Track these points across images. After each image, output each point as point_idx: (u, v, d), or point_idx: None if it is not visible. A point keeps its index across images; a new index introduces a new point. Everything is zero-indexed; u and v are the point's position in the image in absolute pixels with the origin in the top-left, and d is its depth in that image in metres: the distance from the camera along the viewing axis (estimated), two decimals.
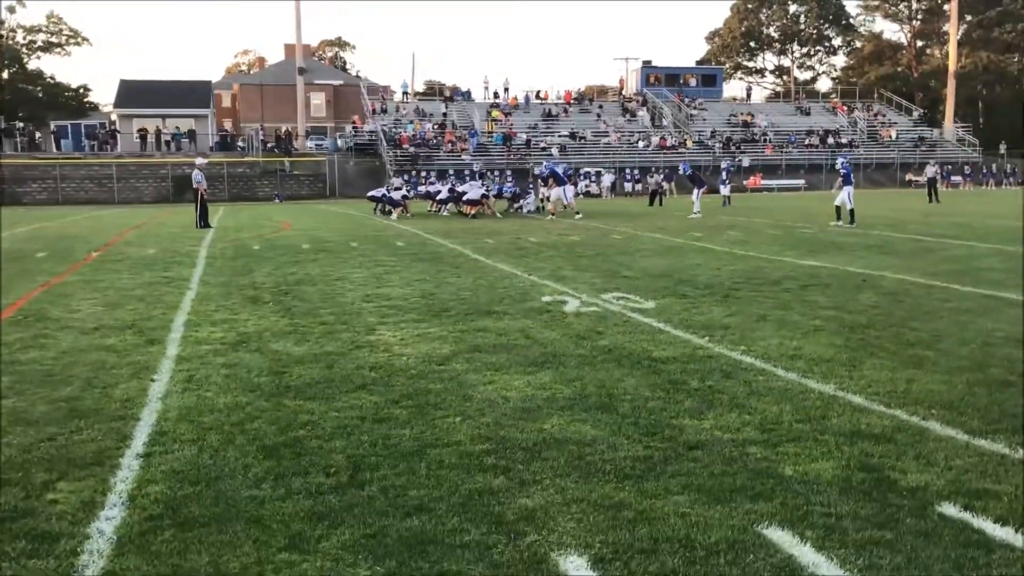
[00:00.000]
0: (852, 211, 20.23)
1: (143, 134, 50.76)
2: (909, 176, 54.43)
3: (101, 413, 5.20)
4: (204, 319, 8.41)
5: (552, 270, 12.02)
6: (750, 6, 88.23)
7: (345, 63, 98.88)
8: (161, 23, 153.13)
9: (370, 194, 29.15)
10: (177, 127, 52.72)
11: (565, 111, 59.24)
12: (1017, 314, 8.04)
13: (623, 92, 66.04)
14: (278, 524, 3.56)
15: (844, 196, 20.57)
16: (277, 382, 5.92)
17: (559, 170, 26.49)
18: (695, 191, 26.87)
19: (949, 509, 3.58)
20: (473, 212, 25.47)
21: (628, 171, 50.13)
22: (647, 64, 65.81)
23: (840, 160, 22.73)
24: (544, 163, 29.90)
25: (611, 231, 19.35)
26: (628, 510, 3.66)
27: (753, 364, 6.23)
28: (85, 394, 5.64)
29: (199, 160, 24.28)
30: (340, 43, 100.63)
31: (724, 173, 34.64)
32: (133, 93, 57.86)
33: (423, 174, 47.82)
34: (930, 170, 35.77)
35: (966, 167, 54.96)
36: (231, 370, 6.28)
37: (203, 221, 22.18)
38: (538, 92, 61.70)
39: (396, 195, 27.17)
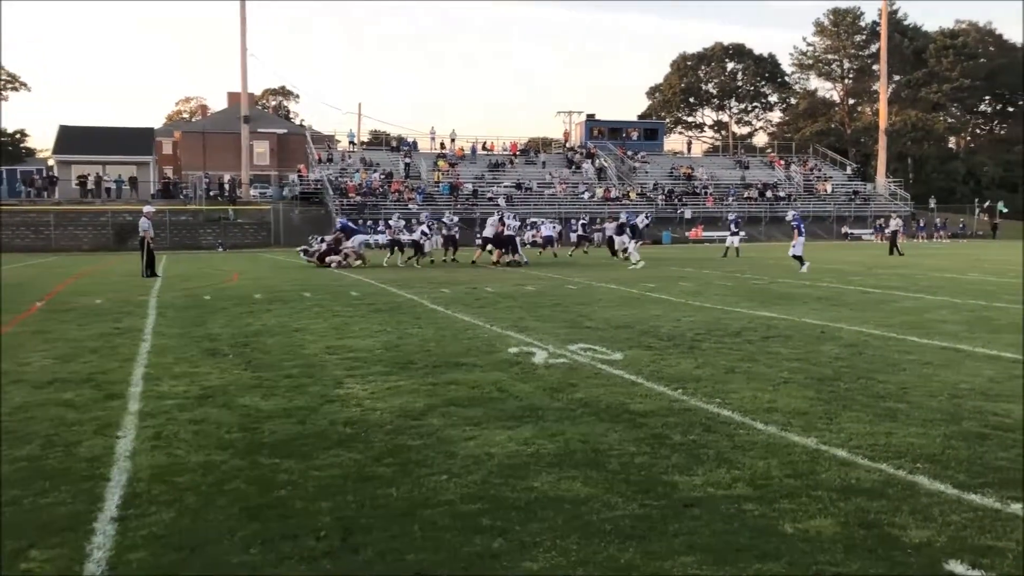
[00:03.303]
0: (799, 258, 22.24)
1: (83, 181, 49.74)
2: (845, 229, 55.98)
3: (68, 473, 4.95)
4: (164, 372, 8.14)
5: (513, 320, 11.97)
6: (689, 63, 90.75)
7: (289, 112, 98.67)
8: (102, 69, 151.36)
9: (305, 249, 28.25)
10: (119, 174, 51.79)
11: (511, 162, 59.78)
12: (978, 366, 8.21)
13: (567, 144, 66.97)
14: None
15: (799, 244, 22.51)
16: (250, 439, 5.72)
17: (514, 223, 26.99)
18: (633, 242, 26.71)
19: (958, 567, 3.57)
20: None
21: (573, 222, 50.54)
22: (591, 118, 66.99)
23: (792, 213, 25.15)
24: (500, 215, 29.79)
25: (566, 281, 19.42)
26: (636, 572, 3.57)
27: (731, 417, 6.23)
28: (48, 453, 5.38)
29: (146, 208, 23.81)
30: (284, 92, 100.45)
31: (733, 225, 32.69)
32: (73, 139, 56.89)
33: (369, 222, 47.66)
34: (893, 223, 36.96)
35: (891, 220, 56.69)
36: (199, 426, 6.06)
37: (150, 270, 21.67)
38: (484, 143, 62.26)
39: (416, 234, 26.96)
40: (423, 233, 27.21)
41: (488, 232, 27.05)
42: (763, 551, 3.78)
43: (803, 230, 23.20)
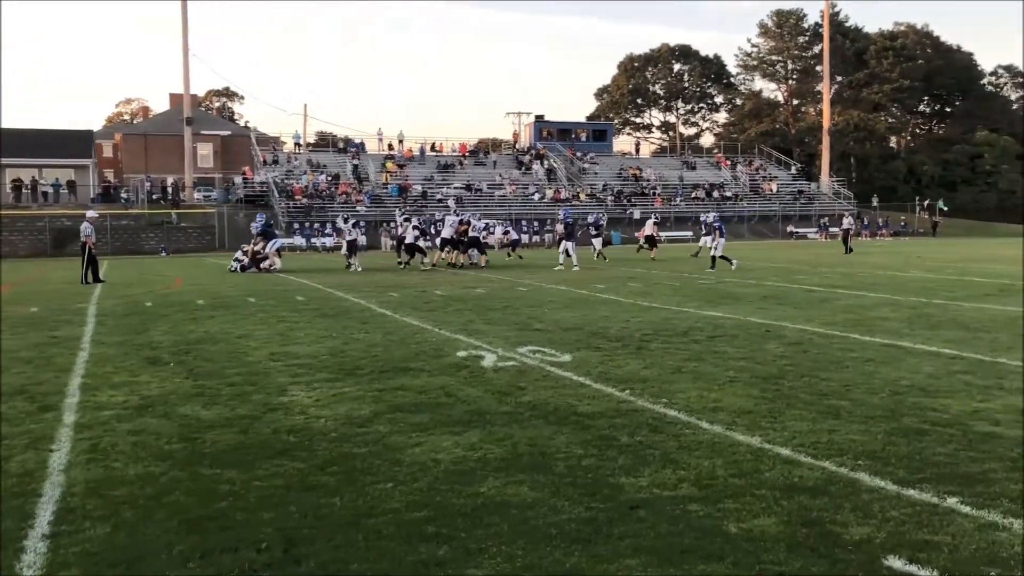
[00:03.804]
0: (716, 258, 23.43)
1: (18, 184, 48.46)
2: (791, 228, 56.93)
3: None
4: (102, 382, 7.93)
5: (463, 324, 11.92)
6: (636, 64, 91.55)
7: (233, 114, 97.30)
8: (39, 69, 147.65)
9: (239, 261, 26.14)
10: (56, 178, 50.57)
11: (460, 163, 59.69)
12: (917, 363, 8.38)
13: (517, 145, 67.07)
14: None
15: (719, 246, 23.51)
16: (190, 449, 5.59)
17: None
18: (568, 244, 25.70)
19: (896, 563, 3.62)
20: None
21: (524, 223, 50.66)
22: (540, 119, 67.17)
23: (712, 215, 26.22)
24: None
25: (516, 283, 19.41)
26: (582, 575, 3.56)
27: (678, 417, 6.26)
28: None
29: (89, 213, 23.25)
30: (228, 93, 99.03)
31: (710, 227, 26.37)
32: (8, 142, 55.32)
33: (315, 225, 47.22)
34: (846, 222, 37.48)
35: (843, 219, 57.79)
36: (138, 437, 5.91)
37: (93, 276, 21.16)
38: (433, 144, 62.07)
39: (410, 236, 25.76)
40: (422, 233, 26.67)
41: (447, 233, 26.73)
42: (708, 552, 3.79)
43: (724, 231, 24.06)
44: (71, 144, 56.92)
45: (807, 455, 5.25)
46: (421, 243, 26.23)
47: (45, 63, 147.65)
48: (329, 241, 29.58)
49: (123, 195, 51.69)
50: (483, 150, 66.59)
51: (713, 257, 23.63)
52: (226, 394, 7.33)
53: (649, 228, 31.94)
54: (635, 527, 4.10)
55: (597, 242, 30.30)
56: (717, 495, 4.55)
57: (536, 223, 51.02)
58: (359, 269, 25.22)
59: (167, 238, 45.12)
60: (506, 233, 35.11)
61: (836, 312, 12.75)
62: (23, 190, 48.54)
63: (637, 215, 54.40)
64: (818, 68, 79.35)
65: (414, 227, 26.29)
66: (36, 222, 43.78)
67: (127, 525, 4.22)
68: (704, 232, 32.17)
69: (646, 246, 31.80)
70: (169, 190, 51.01)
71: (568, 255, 25.26)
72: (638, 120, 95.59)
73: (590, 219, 32.05)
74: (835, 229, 54.99)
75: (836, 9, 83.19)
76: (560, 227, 28.39)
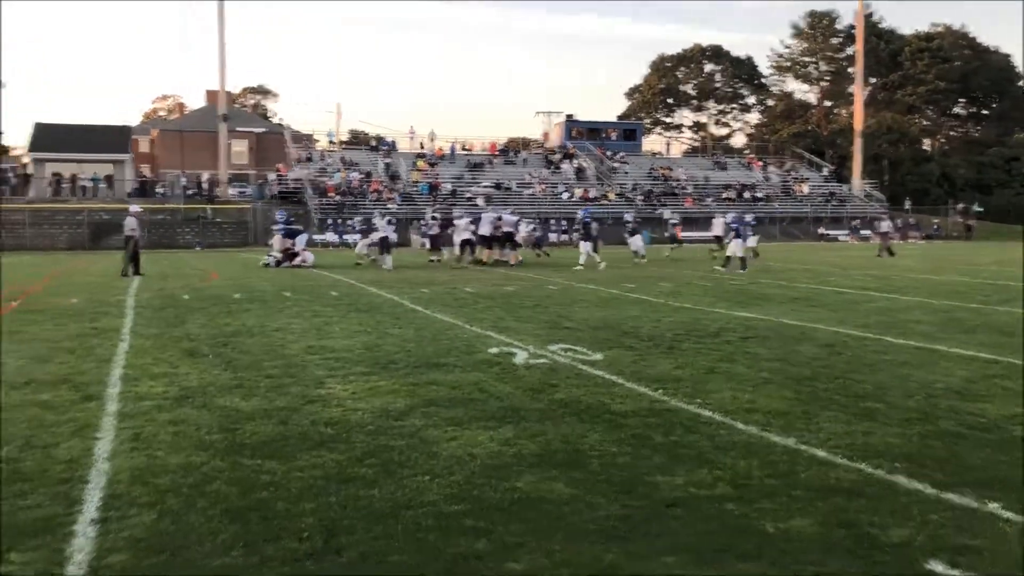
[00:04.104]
0: (742, 259, 23.38)
1: (57, 179, 49.21)
2: (821, 230, 56.43)
3: (46, 475, 4.91)
4: (142, 373, 8.07)
5: (493, 321, 11.97)
6: (668, 64, 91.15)
7: (267, 111, 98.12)
8: (79, 66, 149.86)
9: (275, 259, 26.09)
10: (95, 172, 51.31)
11: (490, 162, 59.79)
12: (952, 366, 8.31)
13: (546, 145, 67.05)
14: None
15: (736, 246, 23.68)
16: (230, 440, 5.69)
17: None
18: (587, 244, 25.39)
19: (937, 567, 3.62)
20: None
21: (553, 222, 50.62)
22: (570, 118, 67.05)
23: (731, 215, 26.15)
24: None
25: (546, 281, 19.44)
26: (619, 572, 3.59)
27: (712, 418, 6.27)
28: (25, 455, 5.32)
29: (133, 207, 23.73)
30: (263, 91, 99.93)
31: (741, 229, 24.62)
32: (49, 137, 56.24)
33: (348, 221, 47.46)
34: (884, 225, 37.02)
35: (875, 222, 57.18)
36: (179, 427, 6.02)
37: (134, 269, 21.59)
38: (464, 143, 62.25)
39: (389, 231, 25.87)
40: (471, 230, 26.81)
41: (485, 230, 26.85)
42: (744, 551, 3.81)
43: (740, 232, 24.07)
44: (109, 139, 57.72)
45: (843, 456, 5.24)
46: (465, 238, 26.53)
47: (84, 60, 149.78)
48: (357, 238, 29.15)
49: (159, 190, 52.35)
50: (513, 149, 66.65)
51: (740, 258, 23.49)
52: (264, 386, 7.43)
53: (718, 227, 30.67)
54: (671, 525, 4.13)
55: (636, 241, 28.19)
56: (753, 495, 4.56)
57: (564, 222, 50.94)
58: (390, 269, 24.02)
59: (202, 233, 45.63)
60: (533, 231, 35.10)
61: (869, 314, 12.65)
62: (62, 184, 49.25)
63: (667, 215, 54.12)
64: (851, 70, 78.52)
65: (465, 226, 26.94)
66: (76, 216, 44.43)
67: (171, 513, 4.31)
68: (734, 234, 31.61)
69: (717, 247, 30.12)
70: (204, 186, 51.57)
71: (590, 255, 25.13)
72: (669, 120, 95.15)
73: (627, 217, 31.19)
74: (866, 232, 54.53)
75: (870, 10, 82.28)
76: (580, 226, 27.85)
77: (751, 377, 7.80)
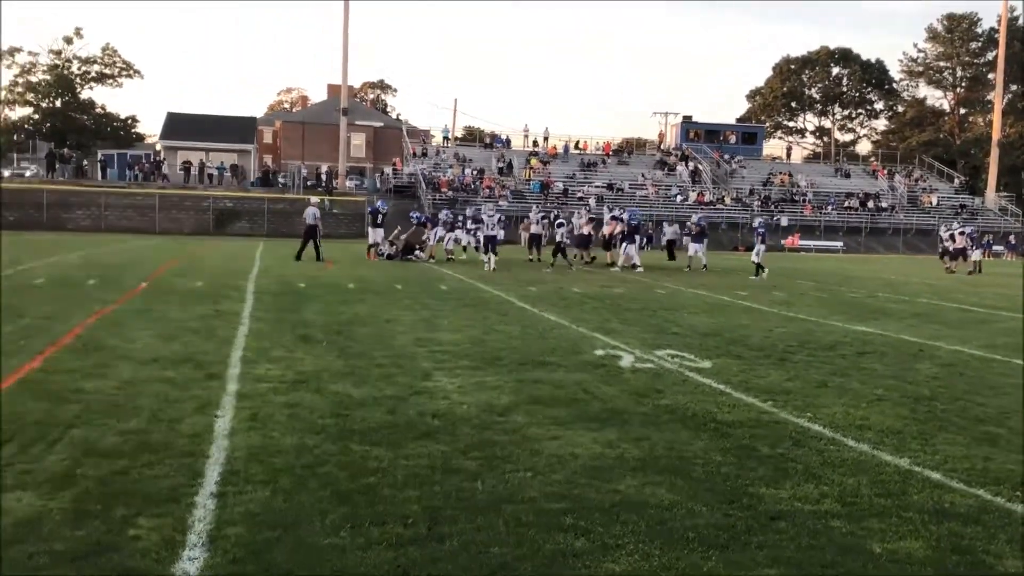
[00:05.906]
0: (758, 265, 23.07)
1: (187, 166, 51.65)
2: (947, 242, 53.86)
3: (170, 448, 5.20)
4: (261, 356, 8.43)
5: (599, 322, 11.96)
6: (793, 67, 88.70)
7: (386, 106, 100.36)
8: (209, 60, 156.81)
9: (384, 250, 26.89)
10: (221, 161, 53.60)
11: (603, 162, 59.55)
12: None
13: (662, 146, 66.32)
14: None
15: (760, 252, 23.47)
16: (341, 425, 5.89)
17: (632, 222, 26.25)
18: (631, 246, 24.91)
19: None
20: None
21: (665, 224, 49.97)
22: (687, 119, 66.09)
23: (758, 221, 25.51)
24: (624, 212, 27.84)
25: (655, 285, 19.27)
26: None
27: (822, 432, 6.12)
28: (152, 427, 5.65)
29: (313, 199, 26.94)
30: (382, 85, 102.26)
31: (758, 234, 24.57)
32: (179, 126, 59.08)
33: (460, 217, 48.06)
34: (962, 239, 31.56)
35: (1011, 237, 54.32)
36: (293, 410, 6.27)
37: (316, 255, 24.19)
38: (577, 142, 62.17)
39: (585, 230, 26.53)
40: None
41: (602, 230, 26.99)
42: (849, 569, 3.72)
43: (766, 238, 24.07)
44: (235, 129, 60.22)
45: (959, 481, 5.04)
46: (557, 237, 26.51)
47: (214, 54, 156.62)
48: (463, 235, 29.04)
49: (280, 180, 54.25)
50: (627, 149, 66.18)
51: (757, 264, 23.28)
52: (375, 375, 7.65)
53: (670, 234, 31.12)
54: (774, 538, 4.07)
55: (696, 246, 26.49)
56: (861, 513, 4.44)
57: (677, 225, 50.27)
58: (493, 269, 22.71)
59: (320, 223, 46.97)
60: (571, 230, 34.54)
61: (995, 335, 12.06)
62: (191, 171, 51.65)
63: (784, 222, 52.81)
64: (991, 76, 74.68)
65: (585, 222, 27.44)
66: (202, 202, 46.51)
67: (284, 491, 4.50)
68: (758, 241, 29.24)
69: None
70: (323, 177, 53.16)
71: (630, 256, 24.77)
72: (791, 124, 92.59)
73: (694, 219, 28.01)
74: (999, 247, 51.82)
75: (1015, 13, 78.07)
76: (618, 227, 26.09)
77: (865, 393, 7.56)
